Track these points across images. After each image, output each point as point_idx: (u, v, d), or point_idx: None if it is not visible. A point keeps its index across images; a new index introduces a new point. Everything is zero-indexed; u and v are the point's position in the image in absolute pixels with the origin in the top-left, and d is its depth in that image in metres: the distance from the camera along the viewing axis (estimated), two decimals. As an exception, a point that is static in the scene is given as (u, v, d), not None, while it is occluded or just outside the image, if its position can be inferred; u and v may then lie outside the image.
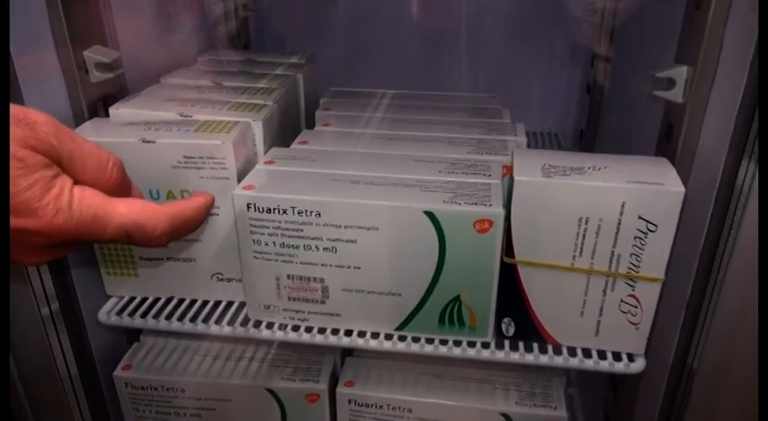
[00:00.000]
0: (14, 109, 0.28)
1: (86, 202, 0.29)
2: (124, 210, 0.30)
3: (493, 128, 0.58)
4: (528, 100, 0.88)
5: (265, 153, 0.53)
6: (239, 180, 0.48)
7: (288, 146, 0.58)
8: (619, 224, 0.43)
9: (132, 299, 0.54)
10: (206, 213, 0.35)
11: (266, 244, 0.47)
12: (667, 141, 0.48)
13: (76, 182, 0.30)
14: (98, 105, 0.53)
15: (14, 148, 0.27)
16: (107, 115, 0.53)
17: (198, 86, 0.60)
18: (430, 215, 0.44)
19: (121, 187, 0.33)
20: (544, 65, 0.86)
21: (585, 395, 0.70)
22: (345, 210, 0.45)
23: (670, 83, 0.45)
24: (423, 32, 0.86)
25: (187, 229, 0.34)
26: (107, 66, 0.51)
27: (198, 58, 0.73)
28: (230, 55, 0.74)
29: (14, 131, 0.27)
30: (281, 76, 0.64)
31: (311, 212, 0.45)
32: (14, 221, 0.27)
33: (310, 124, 0.68)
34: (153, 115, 0.52)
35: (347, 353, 0.60)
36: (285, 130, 0.59)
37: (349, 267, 0.47)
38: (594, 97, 0.80)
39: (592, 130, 0.82)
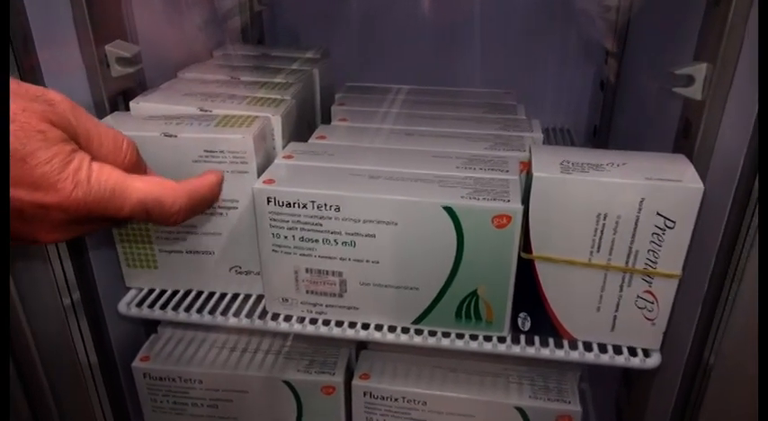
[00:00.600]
0: (31, 88, 0.28)
1: (105, 177, 0.29)
2: (142, 186, 0.30)
3: (509, 124, 0.59)
4: (540, 96, 0.88)
5: (284, 147, 0.53)
6: (259, 174, 0.48)
7: (304, 140, 0.58)
8: (637, 220, 0.43)
9: (151, 291, 0.55)
10: (219, 190, 0.35)
11: (285, 237, 0.48)
12: (685, 138, 0.48)
13: (93, 159, 0.30)
14: (118, 99, 0.54)
15: (35, 122, 0.27)
16: (127, 109, 0.54)
17: (216, 81, 0.61)
18: (449, 210, 0.44)
19: (137, 168, 0.33)
20: (557, 61, 0.86)
21: (597, 390, 0.71)
22: (365, 205, 0.45)
23: (689, 80, 0.45)
24: (436, 28, 0.86)
25: (203, 206, 0.34)
26: (128, 60, 0.52)
27: (214, 53, 0.74)
28: (246, 49, 0.75)
29: (34, 107, 0.27)
30: (297, 71, 0.64)
31: (331, 207, 0.46)
32: (34, 195, 0.27)
33: (325, 119, 0.68)
34: (173, 109, 0.52)
35: (362, 345, 0.61)
36: (302, 125, 0.60)
37: (367, 261, 0.47)
38: (608, 94, 0.80)
39: (605, 127, 0.82)
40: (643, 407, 0.57)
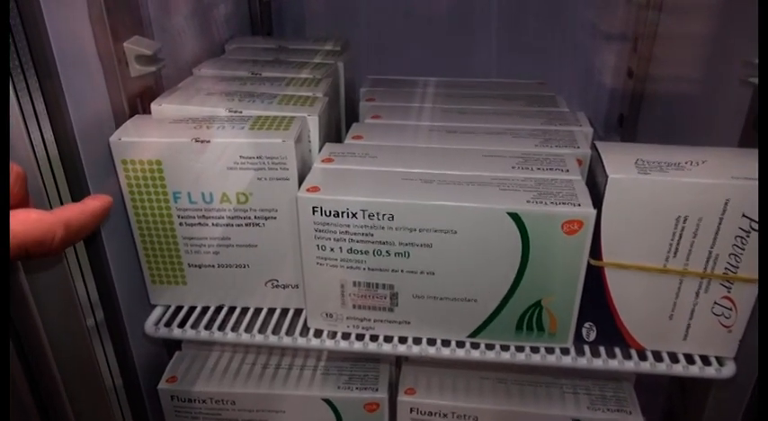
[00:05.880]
0: None
1: None
2: (20, 229, 0.27)
3: (553, 117, 0.55)
4: (558, 83, 0.84)
5: (319, 149, 0.49)
6: (298, 180, 0.44)
7: (333, 139, 0.54)
8: (720, 223, 0.40)
9: (178, 308, 0.51)
10: (102, 219, 0.32)
11: (332, 249, 0.44)
12: (757, 130, 0.45)
13: None
14: (136, 101, 0.49)
15: None
16: (145, 112, 0.50)
17: (237, 78, 0.56)
18: (514, 216, 0.41)
19: (22, 201, 0.30)
20: (575, 47, 0.82)
21: (642, 395, 0.68)
22: (422, 213, 0.41)
23: (764, 68, 0.42)
24: (450, 13, 0.82)
25: (82, 235, 0.31)
26: (148, 58, 0.47)
27: (226, 47, 0.69)
28: (259, 42, 0.70)
29: None
30: (322, 65, 0.60)
31: (384, 215, 0.42)
32: None
33: (349, 115, 0.65)
34: (199, 111, 0.48)
35: (402, 359, 0.57)
36: (331, 123, 0.56)
37: (422, 273, 0.44)
38: (637, 82, 0.77)
39: (633, 116, 0.79)
40: (699, 415, 0.54)
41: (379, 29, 0.84)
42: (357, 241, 0.43)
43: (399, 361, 0.57)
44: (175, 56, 0.59)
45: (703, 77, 0.62)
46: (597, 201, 0.41)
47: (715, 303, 0.43)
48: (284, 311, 0.50)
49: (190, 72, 0.59)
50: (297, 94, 0.52)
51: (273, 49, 0.67)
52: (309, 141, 0.48)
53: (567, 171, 0.45)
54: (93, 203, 0.32)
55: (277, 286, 0.49)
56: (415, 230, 0.42)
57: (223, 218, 0.46)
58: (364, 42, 0.83)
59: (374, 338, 0.47)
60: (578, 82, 0.84)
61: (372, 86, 0.64)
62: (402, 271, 0.44)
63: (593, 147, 0.45)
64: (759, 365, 0.35)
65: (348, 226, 0.43)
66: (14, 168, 0.29)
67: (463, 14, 0.81)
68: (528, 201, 0.41)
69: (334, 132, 0.59)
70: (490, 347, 0.46)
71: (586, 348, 0.46)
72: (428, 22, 0.82)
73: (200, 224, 0.46)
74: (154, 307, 0.51)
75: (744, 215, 0.39)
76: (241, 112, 0.48)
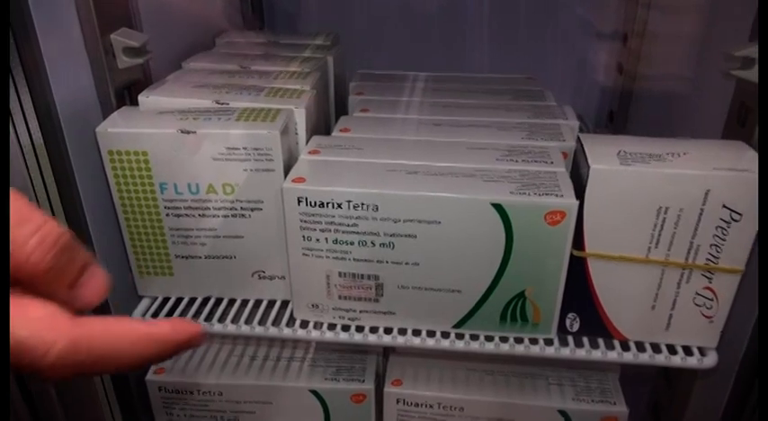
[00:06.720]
0: None
1: None
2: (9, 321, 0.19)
3: (540, 111, 0.55)
4: (548, 78, 0.84)
5: (307, 142, 0.49)
6: (284, 172, 0.44)
7: (322, 133, 0.54)
8: (701, 214, 0.40)
9: (165, 299, 0.51)
10: (168, 350, 0.22)
11: (317, 240, 0.44)
12: (740, 124, 0.45)
13: None
14: (124, 93, 0.49)
15: None
16: (133, 104, 0.50)
17: (226, 71, 0.56)
18: (498, 207, 0.41)
19: (54, 272, 0.20)
20: (565, 42, 0.82)
21: (627, 386, 0.68)
22: (406, 204, 0.42)
23: (746, 62, 0.43)
24: (442, 9, 0.82)
25: (106, 364, 0.20)
26: (135, 50, 0.47)
27: (216, 41, 0.69)
28: (250, 36, 0.70)
29: None
30: (311, 59, 0.60)
31: (368, 206, 0.42)
32: None
33: (339, 108, 0.65)
34: (186, 103, 0.48)
35: (388, 350, 0.58)
36: (319, 117, 0.56)
37: (407, 263, 0.44)
38: (627, 77, 0.77)
39: (623, 112, 0.79)
40: (684, 405, 0.54)
41: (371, 24, 0.84)
42: (342, 232, 0.43)
43: (386, 352, 0.57)
44: (165, 49, 0.59)
45: (693, 74, 0.62)
46: (581, 193, 0.41)
47: (696, 294, 0.43)
48: (271, 303, 0.50)
49: (180, 66, 0.59)
50: (285, 86, 0.52)
51: (264, 43, 0.68)
52: (296, 134, 0.49)
53: (552, 163, 0.45)
54: (155, 331, 0.21)
55: (264, 277, 0.49)
56: (400, 221, 0.42)
57: (209, 209, 0.46)
58: (356, 37, 0.83)
59: (360, 329, 0.48)
60: (569, 78, 0.84)
61: (362, 80, 0.64)
62: (387, 261, 0.44)
63: (578, 140, 0.45)
64: (759, 366, 0.36)
65: (333, 216, 0.43)
66: (45, 228, 0.20)
67: (455, 10, 0.82)
68: (511, 192, 0.41)
69: (323, 126, 0.59)
70: (475, 338, 0.47)
71: (570, 339, 0.47)
72: (420, 18, 0.82)
73: (186, 215, 0.46)
74: (141, 298, 0.51)
75: (724, 206, 0.40)
76: (228, 104, 0.48)
